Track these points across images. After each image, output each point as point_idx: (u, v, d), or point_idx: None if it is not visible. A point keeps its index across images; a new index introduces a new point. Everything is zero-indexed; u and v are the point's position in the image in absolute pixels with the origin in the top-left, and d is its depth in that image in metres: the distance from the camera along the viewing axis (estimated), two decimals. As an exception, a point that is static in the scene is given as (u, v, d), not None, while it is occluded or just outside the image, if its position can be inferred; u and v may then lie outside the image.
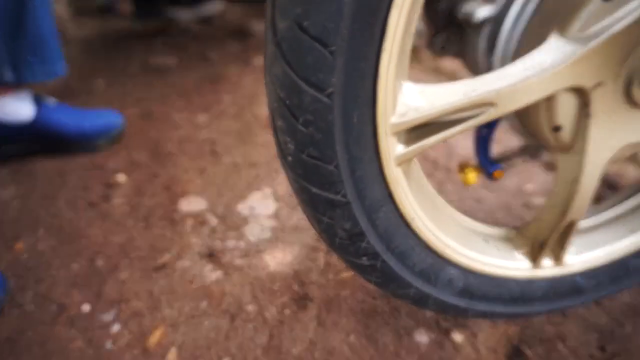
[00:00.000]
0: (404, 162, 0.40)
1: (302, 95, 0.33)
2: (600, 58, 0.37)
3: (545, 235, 0.51)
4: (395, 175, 0.40)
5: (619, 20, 0.36)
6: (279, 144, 0.37)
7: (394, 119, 0.36)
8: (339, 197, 0.38)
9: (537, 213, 0.53)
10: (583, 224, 0.57)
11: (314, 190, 0.37)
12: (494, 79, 0.36)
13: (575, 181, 0.44)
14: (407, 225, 0.44)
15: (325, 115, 0.34)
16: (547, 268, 0.54)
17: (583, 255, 0.55)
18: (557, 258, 0.54)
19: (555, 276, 0.55)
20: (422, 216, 0.45)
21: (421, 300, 0.51)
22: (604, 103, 0.39)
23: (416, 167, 0.44)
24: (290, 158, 0.36)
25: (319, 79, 0.32)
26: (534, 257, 0.54)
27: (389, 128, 0.36)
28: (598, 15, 0.37)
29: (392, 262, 0.46)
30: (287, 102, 0.34)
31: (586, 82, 0.38)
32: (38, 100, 1.04)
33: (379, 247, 0.44)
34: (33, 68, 0.96)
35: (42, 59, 0.97)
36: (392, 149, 0.37)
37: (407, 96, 0.36)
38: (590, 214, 0.59)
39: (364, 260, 0.44)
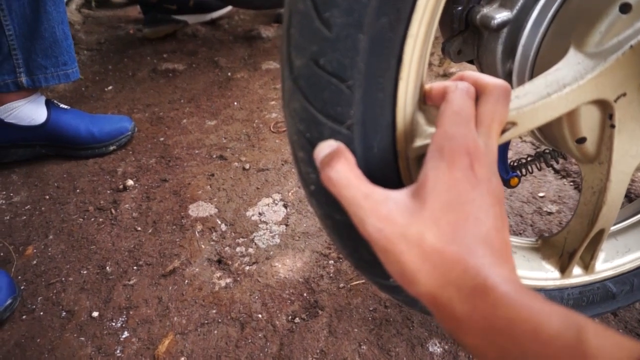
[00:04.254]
0: None
1: (322, 127, 0.33)
2: (622, 70, 0.36)
3: (574, 245, 0.50)
4: None
5: (639, 31, 0.35)
6: (301, 174, 0.37)
7: (415, 143, 0.35)
8: None
9: (565, 224, 0.52)
10: (612, 229, 0.56)
11: (338, 217, 0.37)
12: (513, 98, 0.35)
13: (602, 191, 0.43)
14: None
15: (345, 145, 0.34)
16: (577, 276, 0.53)
17: (614, 261, 0.54)
18: (587, 266, 0.52)
19: (586, 284, 0.53)
20: None
21: None
22: (628, 113, 0.38)
23: None
24: (312, 187, 0.37)
25: (338, 112, 0.32)
26: (563, 266, 0.53)
27: (410, 152, 0.36)
28: (617, 27, 0.35)
29: None
30: (307, 134, 0.34)
31: (609, 94, 0.37)
32: (50, 105, 1.04)
33: None
34: (47, 72, 0.97)
35: (56, 63, 0.97)
36: (415, 172, 0.37)
37: (427, 118, 0.36)
38: (619, 218, 0.57)
39: (392, 282, 0.44)
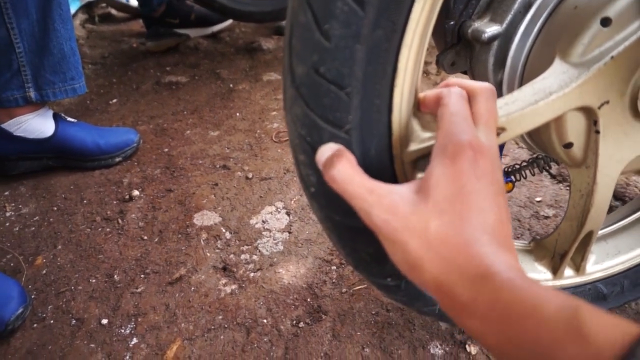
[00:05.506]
0: None
1: (322, 132, 0.35)
2: (604, 79, 0.38)
3: (565, 247, 0.52)
4: None
5: (619, 43, 0.37)
6: (301, 176, 0.39)
7: (410, 147, 0.37)
8: (361, 224, 0.39)
9: (556, 226, 0.54)
10: (602, 232, 0.58)
11: (337, 218, 0.39)
12: (502, 105, 0.38)
13: (589, 194, 0.45)
14: None
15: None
16: (569, 277, 0.54)
17: (604, 263, 0.56)
18: (578, 267, 0.54)
19: (577, 285, 0.55)
20: None
21: (446, 316, 0.52)
22: (611, 119, 0.41)
23: None
24: (312, 189, 0.38)
25: (337, 117, 0.35)
26: (555, 267, 0.55)
27: (405, 156, 0.38)
28: (599, 39, 0.38)
29: None
30: (308, 138, 0.36)
31: (593, 102, 0.39)
32: (57, 118, 1.07)
33: None
34: (55, 87, 1.00)
35: (64, 78, 1.00)
36: (410, 175, 0.39)
37: (421, 123, 0.38)
38: (609, 222, 0.59)
39: (389, 281, 0.45)
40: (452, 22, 0.52)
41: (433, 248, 0.28)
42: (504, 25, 0.48)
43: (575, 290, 0.56)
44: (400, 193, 0.30)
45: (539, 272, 0.54)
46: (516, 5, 0.47)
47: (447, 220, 0.28)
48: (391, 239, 0.30)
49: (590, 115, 0.41)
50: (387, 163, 0.38)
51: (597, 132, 0.41)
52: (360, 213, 0.31)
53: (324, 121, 0.35)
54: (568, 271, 0.55)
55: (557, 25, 0.42)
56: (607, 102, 0.40)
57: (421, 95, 0.37)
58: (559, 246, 0.53)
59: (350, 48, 0.32)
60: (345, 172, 0.31)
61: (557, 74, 0.39)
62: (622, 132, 0.42)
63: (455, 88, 0.34)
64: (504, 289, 0.26)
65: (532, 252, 0.56)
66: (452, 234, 0.28)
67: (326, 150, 0.33)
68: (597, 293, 0.57)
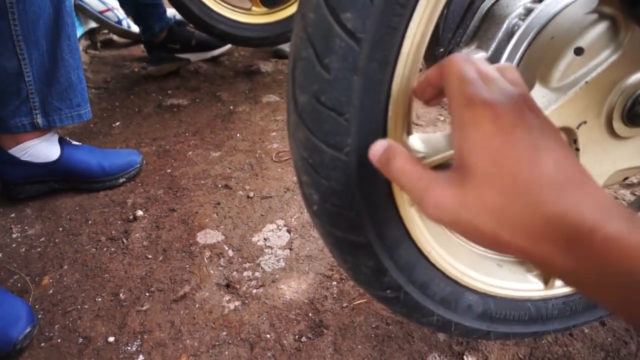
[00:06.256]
0: None
1: (323, 155, 0.38)
2: (580, 102, 0.42)
3: None
4: (410, 215, 0.44)
5: (592, 70, 0.41)
6: (304, 196, 0.42)
7: None
8: (361, 239, 0.42)
9: None
10: None
11: (338, 234, 0.42)
12: None
13: None
14: (425, 258, 0.48)
15: (344, 170, 0.39)
16: (559, 287, 0.57)
17: None
18: None
19: (567, 295, 0.57)
20: (438, 249, 0.49)
21: (445, 327, 0.54)
22: (590, 138, 0.44)
23: None
24: (315, 207, 0.41)
25: (337, 140, 0.38)
26: (546, 278, 0.57)
27: None
28: (573, 66, 0.42)
29: (414, 293, 0.49)
30: (310, 160, 0.39)
31: (571, 122, 0.43)
32: (62, 142, 1.10)
33: (401, 281, 0.48)
34: (61, 114, 1.03)
35: (70, 105, 1.04)
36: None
37: (413, 146, 0.41)
38: None
39: (388, 293, 0.48)
40: (441, 49, 0.56)
41: (503, 221, 0.26)
42: (490, 52, 0.52)
43: (566, 299, 0.58)
44: (445, 176, 0.29)
45: (531, 283, 0.57)
46: (500, 34, 0.51)
47: (501, 188, 0.26)
48: (453, 223, 0.28)
49: (570, 134, 0.45)
50: (384, 182, 0.41)
51: (577, 149, 0.45)
52: (416, 203, 0.31)
53: (325, 145, 0.38)
54: (558, 281, 0.57)
55: (536, 54, 0.45)
56: (585, 122, 0.44)
57: (419, 79, 0.38)
58: None
59: (348, 79, 0.36)
60: (400, 166, 0.32)
61: (537, 97, 0.43)
62: (601, 149, 0.46)
63: (454, 58, 0.32)
64: (613, 251, 0.22)
65: (523, 263, 0.58)
66: (513, 201, 0.26)
67: (378, 148, 0.34)
68: (588, 302, 0.59)
